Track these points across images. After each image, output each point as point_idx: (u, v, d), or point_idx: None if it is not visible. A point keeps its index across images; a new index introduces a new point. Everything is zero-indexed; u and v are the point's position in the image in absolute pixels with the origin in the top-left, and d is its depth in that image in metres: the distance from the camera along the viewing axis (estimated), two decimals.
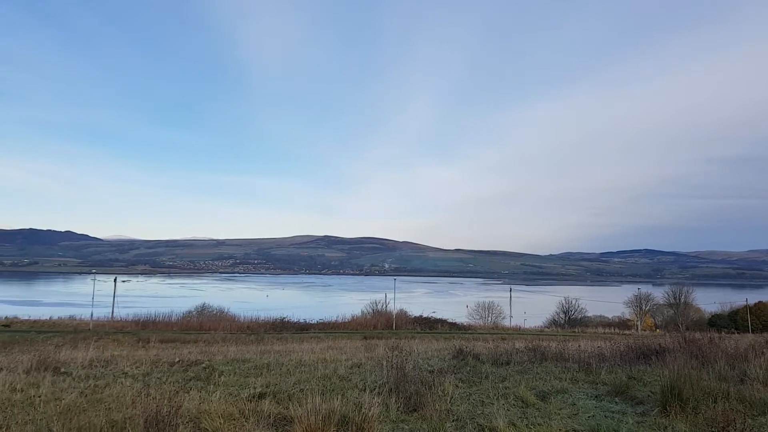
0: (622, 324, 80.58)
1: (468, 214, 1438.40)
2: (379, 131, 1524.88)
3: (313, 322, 67.58)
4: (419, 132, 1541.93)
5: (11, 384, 10.90)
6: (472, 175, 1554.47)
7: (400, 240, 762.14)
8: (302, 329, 59.93)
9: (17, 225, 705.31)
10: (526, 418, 8.23)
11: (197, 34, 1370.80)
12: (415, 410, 8.59)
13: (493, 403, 9.14)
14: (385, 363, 12.99)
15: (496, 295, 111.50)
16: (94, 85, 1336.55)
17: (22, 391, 10.24)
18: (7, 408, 8.64)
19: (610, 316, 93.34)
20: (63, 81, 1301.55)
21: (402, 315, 70.94)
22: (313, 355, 17.67)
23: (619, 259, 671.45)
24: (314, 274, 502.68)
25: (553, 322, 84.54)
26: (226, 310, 78.56)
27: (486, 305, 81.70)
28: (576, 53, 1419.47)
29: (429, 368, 13.36)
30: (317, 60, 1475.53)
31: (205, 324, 63.26)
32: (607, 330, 65.54)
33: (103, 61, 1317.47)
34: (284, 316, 67.71)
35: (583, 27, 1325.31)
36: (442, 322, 67.64)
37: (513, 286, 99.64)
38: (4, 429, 7.12)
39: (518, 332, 59.59)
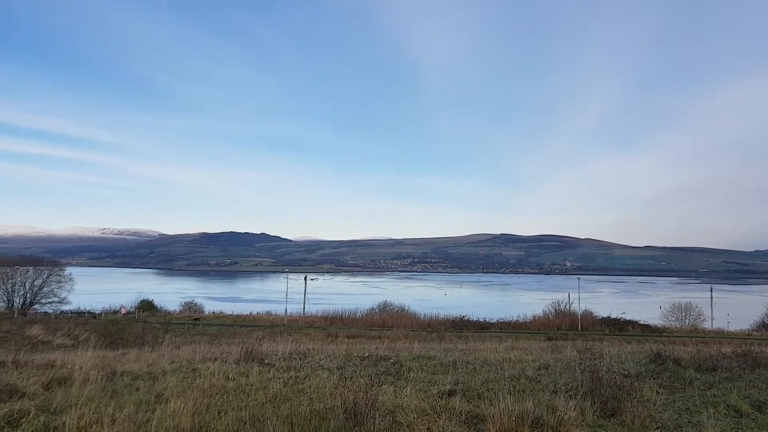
0: None
1: (657, 209, 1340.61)
2: (555, 126, 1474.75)
3: (493, 321, 67.44)
4: (597, 124, 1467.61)
5: (225, 373, 12.14)
6: (657, 167, 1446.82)
7: (582, 237, 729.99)
8: (482, 328, 59.96)
9: (219, 228, 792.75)
10: (741, 429, 7.74)
11: (372, 42, 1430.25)
12: (612, 415, 8.29)
13: (700, 412, 8.57)
14: (576, 365, 12.44)
15: (694, 295, 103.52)
16: (279, 97, 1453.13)
17: (234, 379, 11.34)
18: (223, 394, 9.62)
19: None
20: (250, 95, 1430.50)
21: (587, 316, 68.59)
22: (497, 354, 17.45)
23: None
24: (491, 272, 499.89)
25: (763, 326, 76.35)
26: (406, 307, 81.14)
27: (683, 306, 77.82)
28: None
29: (623, 372, 12.59)
30: (490, 58, 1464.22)
31: (388, 321, 65.92)
32: None
33: (284, 73, 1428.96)
34: (464, 314, 68.27)
35: None
36: (632, 323, 64.48)
37: (713, 286, 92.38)
38: (222, 414, 7.87)
39: (721, 336, 55.17)
